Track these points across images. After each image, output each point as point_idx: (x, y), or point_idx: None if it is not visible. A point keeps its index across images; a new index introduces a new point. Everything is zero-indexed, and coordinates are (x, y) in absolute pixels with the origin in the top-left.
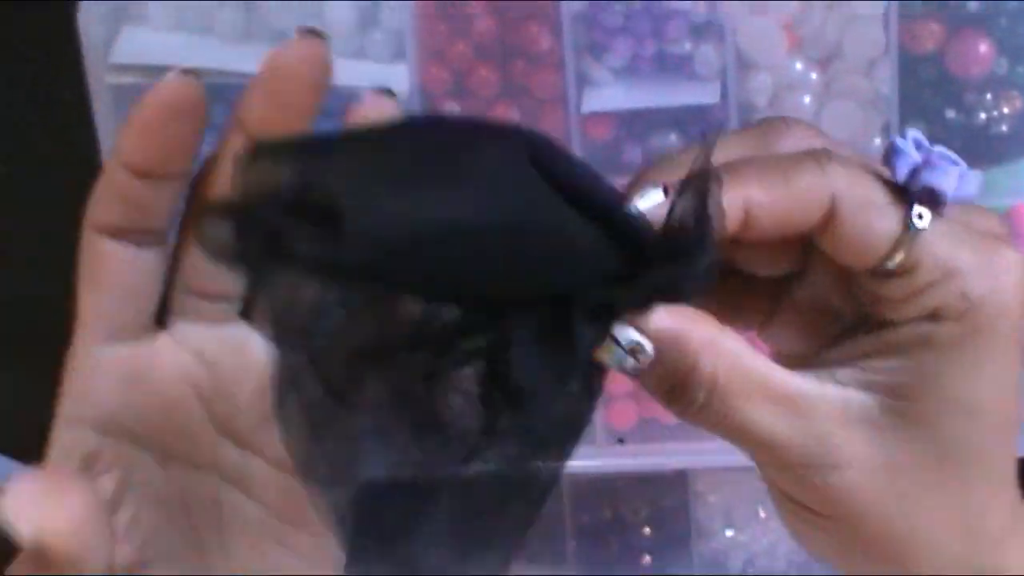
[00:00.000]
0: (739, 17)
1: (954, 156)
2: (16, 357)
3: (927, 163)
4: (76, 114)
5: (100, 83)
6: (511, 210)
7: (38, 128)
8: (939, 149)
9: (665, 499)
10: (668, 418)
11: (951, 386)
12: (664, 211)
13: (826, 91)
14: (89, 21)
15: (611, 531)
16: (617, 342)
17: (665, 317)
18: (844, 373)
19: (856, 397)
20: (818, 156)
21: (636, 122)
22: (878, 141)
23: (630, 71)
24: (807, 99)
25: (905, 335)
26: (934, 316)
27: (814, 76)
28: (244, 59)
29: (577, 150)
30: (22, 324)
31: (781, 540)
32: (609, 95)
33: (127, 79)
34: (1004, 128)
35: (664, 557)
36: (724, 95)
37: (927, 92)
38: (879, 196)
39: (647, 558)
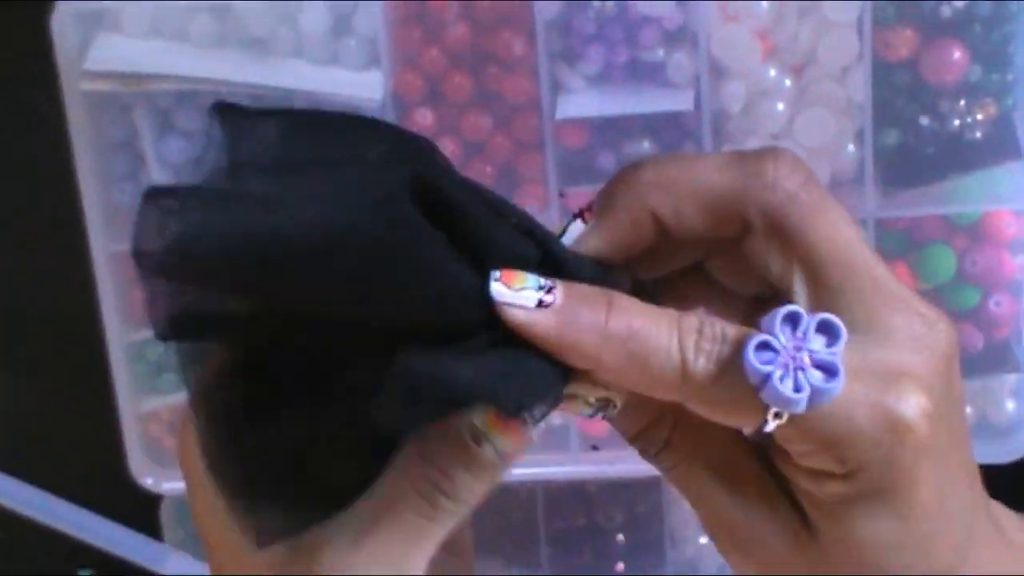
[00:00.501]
0: (713, 24)
1: (825, 357)
2: None
3: (785, 369)
4: (50, 121)
5: (74, 90)
6: (370, 237)
7: (11, 136)
8: (812, 347)
9: (639, 505)
10: None
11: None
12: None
13: (800, 98)
14: (63, 27)
15: (585, 538)
16: (587, 401)
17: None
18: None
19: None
20: (675, 350)
21: (609, 129)
22: (851, 148)
23: (604, 78)
24: (780, 106)
25: (802, 486)
26: (818, 476)
27: (788, 83)
28: (219, 66)
29: (550, 157)
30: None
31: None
32: (583, 102)
33: (101, 86)
34: (978, 135)
35: (638, 564)
36: (698, 102)
37: (901, 99)
38: (732, 395)
39: (621, 565)
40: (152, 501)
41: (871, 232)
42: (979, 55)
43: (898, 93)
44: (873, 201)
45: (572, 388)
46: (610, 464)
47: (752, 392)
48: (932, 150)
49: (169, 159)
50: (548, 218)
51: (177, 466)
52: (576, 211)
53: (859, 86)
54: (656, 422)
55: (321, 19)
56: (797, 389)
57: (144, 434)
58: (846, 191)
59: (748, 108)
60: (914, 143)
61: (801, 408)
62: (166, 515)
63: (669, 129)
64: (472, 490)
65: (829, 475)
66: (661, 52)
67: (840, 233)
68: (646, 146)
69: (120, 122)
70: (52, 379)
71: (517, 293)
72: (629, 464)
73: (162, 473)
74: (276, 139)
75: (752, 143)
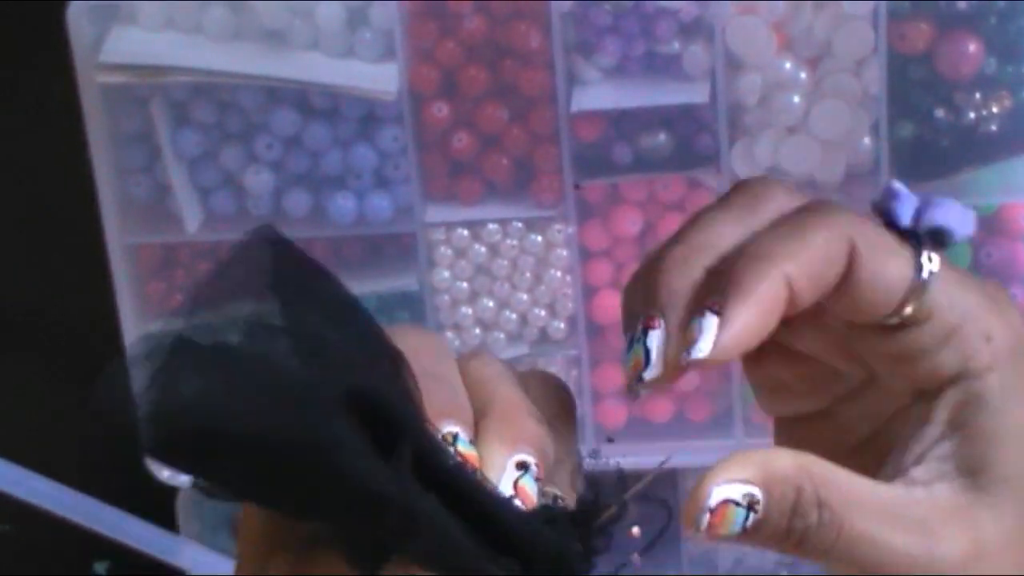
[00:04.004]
0: (728, 17)
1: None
2: (4, 359)
3: (927, 203)
4: (65, 114)
5: (89, 82)
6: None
7: (28, 128)
8: (926, 192)
9: (655, 497)
10: (657, 417)
11: (1007, 437)
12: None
13: (815, 90)
14: (78, 20)
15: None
16: (736, 503)
17: (759, 462)
18: (918, 472)
19: (940, 490)
20: (820, 208)
21: (625, 121)
22: (867, 140)
23: (619, 70)
24: (796, 98)
25: (947, 408)
26: (965, 374)
27: (803, 75)
28: (234, 58)
29: (566, 149)
30: (10, 325)
31: None
32: (598, 94)
33: (116, 78)
34: (993, 127)
35: (654, 556)
36: (713, 94)
37: (916, 91)
38: (889, 240)
39: (636, 557)
40: (168, 493)
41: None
42: (994, 48)
43: (913, 86)
44: None
45: (724, 491)
46: (625, 457)
47: (906, 233)
48: (947, 143)
49: (185, 152)
50: (563, 211)
51: None
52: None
53: (874, 79)
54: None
55: (337, 12)
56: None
57: None
58: (861, 183)
59: (764, 100)
60: (929, 136)
61: (957, 233)
62: (182, 507)
63: (685, 121)
64: None
65: (971, 373)
66: (677, 44)
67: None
68: (662, 138)
69: (136, 114)
70: (68, 371)
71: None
72: (644, 456)
73: None
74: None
75: (768, 136)
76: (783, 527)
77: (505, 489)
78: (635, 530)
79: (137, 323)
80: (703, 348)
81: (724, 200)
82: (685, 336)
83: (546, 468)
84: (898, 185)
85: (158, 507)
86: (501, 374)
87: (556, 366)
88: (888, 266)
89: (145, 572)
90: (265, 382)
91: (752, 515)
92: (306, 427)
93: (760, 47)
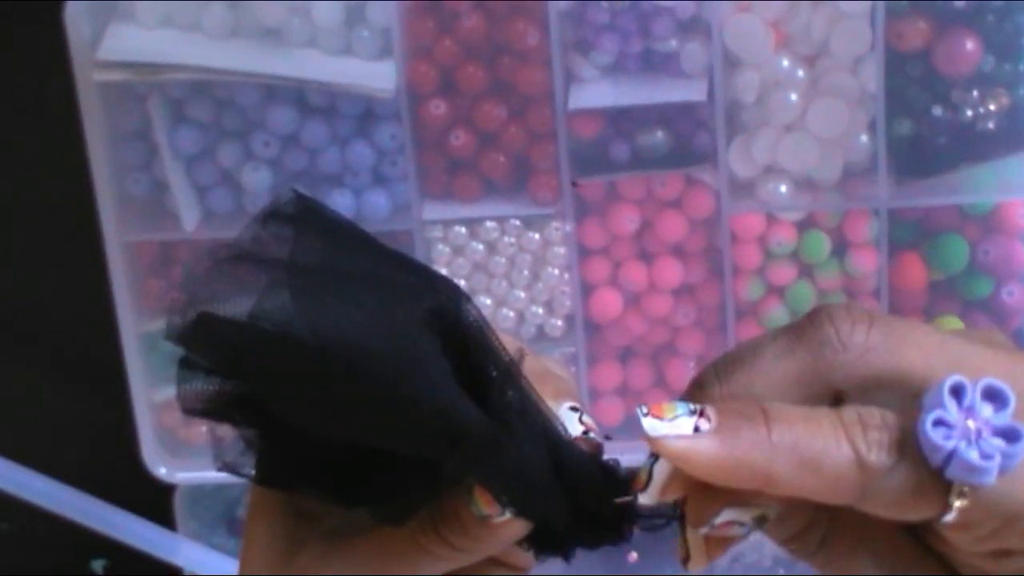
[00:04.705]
0: (726, 14)
1: (1003, 422)
2: (1, 357)
3: (967, 440)
4: (63, 111)
5: (87, 80)
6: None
7: (25, 125)
8: (983, 416)
9: None
10: None
11: None
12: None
13: (812, 88)
14: (76, 18)
15: None
16: (741, 523)
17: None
18: None
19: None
20: (846, 446)
21: (623, 119)
22: (864, 138)
23: (617, 68)
24: (793, 96)
25: (975, 566)
26: (999, 555)
27: (801, 73)
28: (232, 56)
29: (564, 147)
30: (7, 323)
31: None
32: (596, 92)
33: (114, 76)
34: (991, 125)
35: (651, 554)
36: (711, 92)
37: (914, 89)
38: (913, 481)
39: (634, 555)
40: (165, 491)
41: (884, 222)
42: (992, 45)
43: (911, 83)
44: (886, 191)
45: (726, 515)
46: (622, 455)
47: (935, 474)
48: (945, 140)
49: (182, 149)
50: (561, 209)
51: (189, 456)
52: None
53: (872, 76)
54: (811, 524)
55: (334, 9)
56: (984, 456)
57: (158, 424)
58: (859, 181)
59: (761, 98)
60: (927, 133)
61: (992, 477)
62: (179, 505)
63: (682, 119)
64: (456, 541)
65: (1009, 553)
66: (674, 42)
67: (929, 347)
68: (659, 136)
69: (133, 112)
70: (65, 369)
71: (671, 423)
72: (641, 455)
73: (175, 463)
74: (322, 244)
75: (765, 133)
76: (731, 431)
77: (575, 429)
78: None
79: (135, 320)
80: (661, 430)
81: (794, 333)
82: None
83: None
84: (937, 414)
85: (156, 505)
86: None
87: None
88: (906, 511)
89: (142, 570)
90: (354, 298)
91: (759, 529)
92: (396, 341)
93: (758, 45)
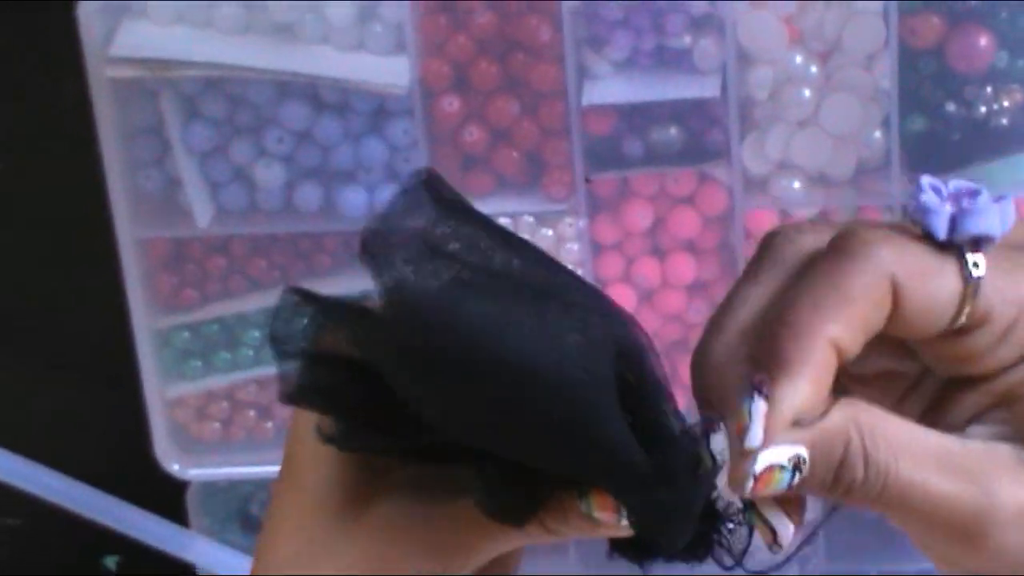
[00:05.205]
0: (739, 10)
1: (974, 186)
2: (14, 353)
3: (962, 211)
4: (76, 107)
5: (100, 76)
6: (570, 382)
7: (38, 122)
8: (958, 185)
9: None
10: None
11: None
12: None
13: (826, 84)
14: (89, 15)
15: None
16: (781, 466)
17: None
18: (976, 430)
19: (1000, 448)
20: (852, 247)
21: (636, 115)
22: (878, 134)
23: (630, 64)
24: (807, 93)
25: (1006, 384)
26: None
27: (814, 69)
28: (244, 52)
29: (577, 143)
30: (20, 319)
31: None
32: (609, 88)
33: (127, 72)
34: (1004, 121)
35: None
36: (724, 88)
37: (927, 85)
38: (930, 260)
39: None
40: (178, 487)
41: (897, 218)
42: (1006, 42)
43: (924, 80)
44: (899, 187)
45: (763, 460)
46: None
47: (947, 248)
48: (958, 136)
49: (195, 146)
50: (574, 205)
51: (202, 452)
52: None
53: (885, 73)
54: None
55: (347, 6)
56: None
57: (170, 420)
58: (872, 177)
59: (774, 94)
60: (940, 130)
61: (998, 234)
62: (192, 501)
63: (695, 115)
64: (553, 526)
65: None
66: (688, 38)
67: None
68: (672, 132)
69: (146, 109)
70: (78, 366)
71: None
72: None
73: (188, 459)
74: (474, 235)
75: (778, 130)
76: (829, 481)
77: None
78: None
79: (147, 317)
80: (755, 436)
81: (750, 268)
82: (738, 425)
83: None
84: (926, 198)
85: (168, 502)
86: None
87: None
88: (934, 289)
89: (155, 566)
90: (529, 310)
91: (798, 474)
92: (579, 366)
93: (771, 41)
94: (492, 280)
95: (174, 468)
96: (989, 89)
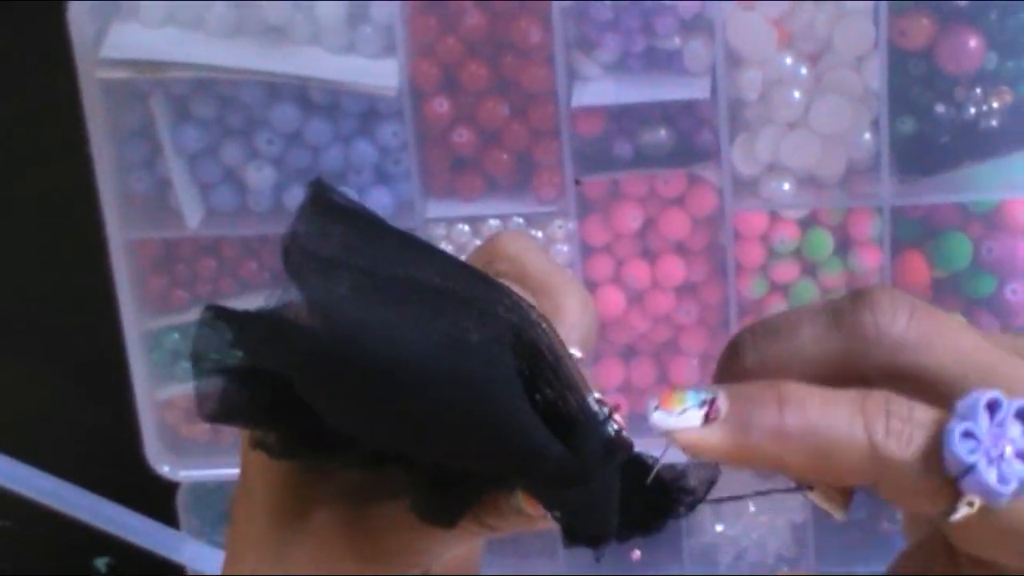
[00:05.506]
0: (729, 12)
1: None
2: (4, 354)
3: (989, 459)
4: (66, 108)
5: (90, 78)
6: (465, 370)
7: (28, 123)
8: (1011, 435)
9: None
10: None
11: None
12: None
13: (816, 86)
14: (79, 16)
15: None
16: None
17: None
18: None
19: None
20: (861, 431)
21: (626, 117)
22: (868, 136)
23: (620, 66)
24: (797, 94)
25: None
26: (990, 567)
27: (804, 71)
28: (235, 54)
29: (567, 145)
30: (10, 320)
31: (771, 534)
32: (599, 90)
33: (117, 74)
34: (994, 123)
35: (655, 552)
36: (714, 90)
37: (917, 87)
38: (924, 480)
39: (637, 553)
40: (168, 489)
41: (887, 220)
42: (995, 43)
43: (914, 81)
44: (889, 189)
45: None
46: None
47: (950, 480)
48: (948, 138)
49: (185, 147)
50: (564, 207)
51: (192, 453)
52: (703, 408)
53: (875, 74)
54: None
55: (337, 7)
56: (1002, 480)
57: (161, 422)
58: (862, 179)
59: (764, 96)
60: (930, 131)
61: (1005, 500)
62: (182, 503)
63: (685, 117)
64: (489, 521)
65: (1001, 568)
66: (677, 40)
67: (964, 349)
68: (662, 134)
69: (136, 110)
70: (68, 367)
71: (680, 417)
72: (647, 452)
73: (178, 461)
74: (358, 241)
75: (768, 131)
76: (741, 419)
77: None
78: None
79: (137, 318)
80: (666, 424)
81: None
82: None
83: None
84: (964, 425)
85: (159, 503)
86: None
87: None
88: (918, 504)
89: (146, 568)
90: (429, 312)
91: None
92: (480, 363)
93: (761, 43)
94: (389, 285)
95: (164, 469)
96: (979, 90)
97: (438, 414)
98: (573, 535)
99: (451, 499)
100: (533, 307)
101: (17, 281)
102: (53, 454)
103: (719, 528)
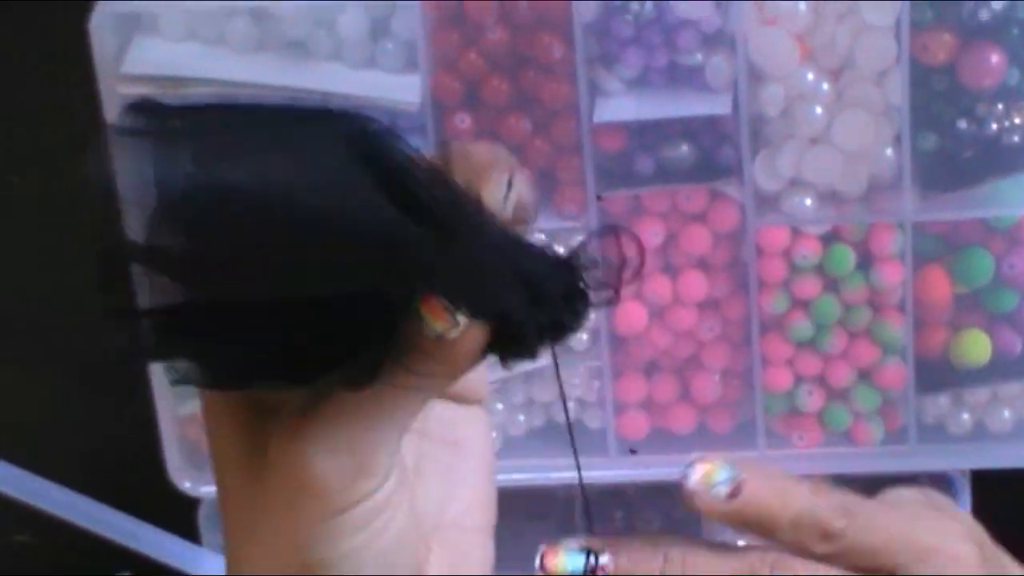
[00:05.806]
0: (751, 27)
1: None
2: (25, 370)
3: None
4: (87, 124)
5: (111, 93)
6: (309, 183)
7: (50, 138)
8: None
9: (677, 510)
10: (679, 428)
11: None
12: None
13: (837, 101)
14: (101, 30)
15: None
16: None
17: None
18: None
19: None
20: None
21: (647, 133)
22: (889, 151)
23: (641, 81)
24: (818, 109)
25: None
26: None
27: (826, 86)
28: (256, 69)
29: (588, 160)
30: (34, 333)
31: None
32: (620, 105)
33: (139, 89)
34: (1016, 139)
35: None
36: (736, 106)
37: (939, 102)
38: None
39: None
40: (190, 504)
41: (909, 235)
42: (1017, 58)
43: (936, 97)
44: (911, 204)
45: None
46: (647, 468)
47: None
48: (970, 154)
49: None
50: (586, 222)
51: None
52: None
53: (897, 89)
54: None
55: (359, 22)
56: None
57: (182, 437)
58: (884, 194)
59: (786, 111)
60: (952, 147)
61: None
62: (204, 518)
63: (707, 132)
64: (421, 367)
65: None
66: (699, 56)
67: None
68: (684, 150)
69: None
70: (90, 381)
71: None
72: (666, 468)
73: (200, 476)
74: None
75: (790, 147)
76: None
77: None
78: None
79: None
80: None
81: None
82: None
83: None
84: None
85: (180, 518)
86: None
87: (578, 377)
88: None
89: None
90: (268, 138)
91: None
92: (318, 172)
93: (783, 58)
94: (223, 136)
95: (186, 485)
96: (1001, 106)
97: (299, 241)
98: (494, 346)
99: (372, 354)
100: (371, 118)
101: (40, 296)
102: (74, 468)
103: (741, 544)
